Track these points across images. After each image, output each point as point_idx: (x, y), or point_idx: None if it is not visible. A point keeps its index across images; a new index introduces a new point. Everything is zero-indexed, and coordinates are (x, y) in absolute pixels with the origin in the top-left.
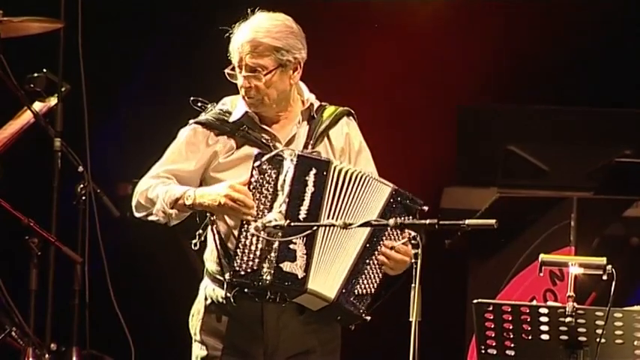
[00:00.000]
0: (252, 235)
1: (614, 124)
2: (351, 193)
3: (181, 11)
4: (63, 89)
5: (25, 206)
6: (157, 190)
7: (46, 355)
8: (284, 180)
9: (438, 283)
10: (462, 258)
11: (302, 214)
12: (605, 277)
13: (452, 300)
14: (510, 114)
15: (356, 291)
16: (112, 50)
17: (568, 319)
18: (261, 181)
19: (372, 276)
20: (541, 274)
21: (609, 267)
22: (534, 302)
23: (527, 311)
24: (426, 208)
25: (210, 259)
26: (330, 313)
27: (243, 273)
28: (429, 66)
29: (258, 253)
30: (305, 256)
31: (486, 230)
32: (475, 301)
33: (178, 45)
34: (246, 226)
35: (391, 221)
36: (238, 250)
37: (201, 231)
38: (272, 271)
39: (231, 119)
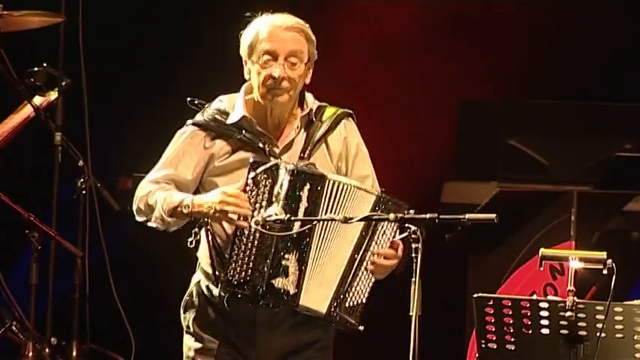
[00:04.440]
0: (247, 243)
1: (614, 118)
2: (340, 205)
3: (182, 6)
4: (63, 83)
5: (26, 200)
6: (156, 197)
7: (47, 349)
8: (278, 192)
9: (438, 277)
10: (462, 252)
11: (295, 229)
12: (605, 272)
13: (452, 294)
14: (511, 108)
15: (347, 303)
16: (112, 44)
17: (568, 314)
18: (256, 190)
19: (363, 285)
20: (541, 269)
21: (609, 261)
22: (534, 297)
23: (528, 305)
24: (412, 211)
25: (204, 258)
26: (325, 322)
27: (235, 283)
28: (430, 61)
29: (251, 264)
30: (297, 272)
31: (487, 224)
32: (475, 295)
33: (179, 39)
34: (239, 234)
35: (391, 215)
36: (232, 260)
37: (197, 229)
38: (264, 287)
39: (229, 121)
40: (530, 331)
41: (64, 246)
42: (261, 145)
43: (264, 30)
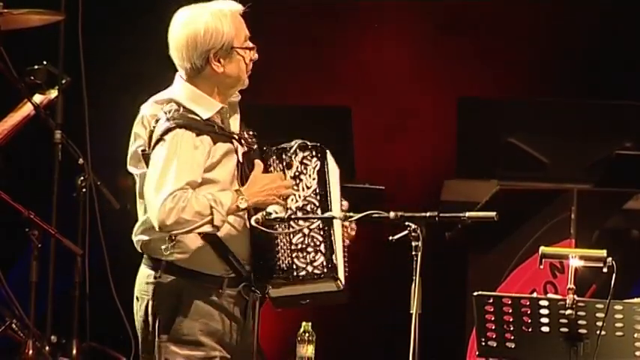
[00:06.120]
0: (289, 227)
1: (614, 116)
2: (334, 172)
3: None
4: (63, 81)
5: (26, 198)
6: (203, 202)
7: (46, 347)
8: (301, 171)
9: (438, 275)
10: (462, 250)
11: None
12: (605, 270)
13: (452, 292)
14: (511, 106)
15: (346, 270)
16: (112, 43)
17: (568, 312)
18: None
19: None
20: (541, 267)
21: (609, 259)
22: (534, 295)
23: (528, 304)
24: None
25: (202, 260)
26: (314, 298)
27: (286, 268)
28: (430, 58)
29: (293, 247)
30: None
31: (487, 223)
32: (475, 293)
33: None
34: (278, 224)
35: (391, 214)
36: (277, 249)
37: (174, 236)
38: (326, 263)
39: (205, 116)
40: (530, 329)
41: (64, 244)
42: (232, 134)
43: (235, 17)
